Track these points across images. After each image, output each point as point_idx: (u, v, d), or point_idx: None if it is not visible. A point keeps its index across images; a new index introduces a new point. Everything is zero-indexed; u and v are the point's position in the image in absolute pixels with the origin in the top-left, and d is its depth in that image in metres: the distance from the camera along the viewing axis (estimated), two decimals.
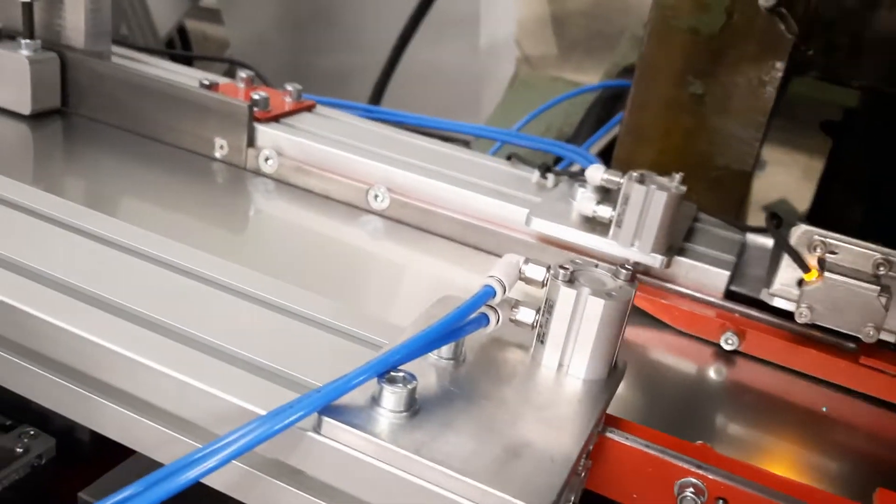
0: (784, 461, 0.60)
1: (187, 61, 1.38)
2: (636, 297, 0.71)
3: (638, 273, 0.75)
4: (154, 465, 0.77)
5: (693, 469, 0.50)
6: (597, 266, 0.52)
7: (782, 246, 0.63)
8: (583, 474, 0.49)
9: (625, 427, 0.52)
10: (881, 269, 0.60)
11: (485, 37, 2.64)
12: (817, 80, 1.40)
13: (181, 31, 2.19)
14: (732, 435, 0.62)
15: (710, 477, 0.49)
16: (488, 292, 0.49)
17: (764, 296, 0.67)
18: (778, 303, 0.66)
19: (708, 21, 0.95)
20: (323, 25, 2.45)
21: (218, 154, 0.87)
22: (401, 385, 0.44)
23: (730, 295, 0.73)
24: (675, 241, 0.73)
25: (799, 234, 0.63)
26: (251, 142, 0.86)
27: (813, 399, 0.66)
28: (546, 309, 0.50)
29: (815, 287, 0.62)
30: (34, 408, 0.69)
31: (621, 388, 0.58)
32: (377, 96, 1.98)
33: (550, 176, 0.84)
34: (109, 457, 0.65)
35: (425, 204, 0.80)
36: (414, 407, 0.44)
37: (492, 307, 0.51)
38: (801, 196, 1.68)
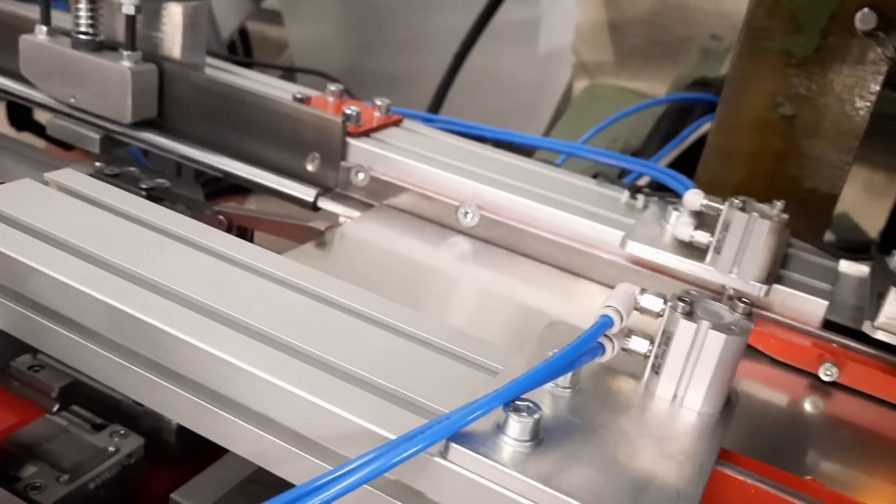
0: (886, 500, 0.59)
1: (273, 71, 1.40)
2: None
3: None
4: (246, 465, 0.79)
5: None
6: (713, 299, 0.52)
7: (891, 279, 0.63)
8: None
9: (736, 461, 0.52)
10: None
11: (543, 44, 2.64)
12: None
13: (242, 32, 2.23)
14: (833, 471, 0.61)
15: None
16: (607, 322, 0.50)
17: (867, 328, 0.66)
18: (882, 336, 0.65)
19: (802, 43, 0.94)
20: (382, 29, 2.47)
21: (310, 167, 0.89)
22: (526, 414, 0.44)
23: (827, 325, 0.72)
24: (775, 269, 0.73)
25: None
26: (343, 156, 0.88)
27: None
28: (663, 340, 0.50)
29: None
30: (123, 408, 0.72)
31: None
32: (438, 103, 2.00)
33: (640, 196, 0.84)
34: (196, 458, 0.67)
35: (515, 222, 0.81)
36: (538, 437, 0.45)
37: (608, 337, 0.51)
38: (863, 211, 1.65)
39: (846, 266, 0.80)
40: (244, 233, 0.88)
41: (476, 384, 0.49)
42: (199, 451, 0.71)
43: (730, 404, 0.52)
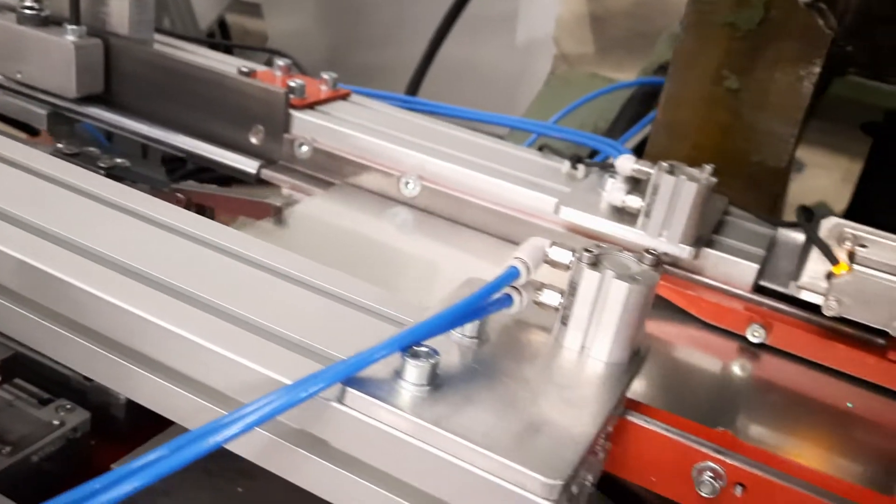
0: (805, 455, 0.60)
1: (227, 51, 1.40)
2: (663, 287, 0.72)
3: (666, 264, 0.75)
4: None
5: (712, 454, 0.50)
6: (622, 251, 0.53)
7: (812, 239, 0.63)
8: (601, 455, 0.50)
9: (646, 411, 0.53)
10: None
11: (522, 34, 2.64)
12: (858, 77, 1.39)
13: (222, 24, 2.22)
14: (754, 426, 0.61)
15: (729, 462, 0.50)
16: (512, 273, 0.50)
17: (792, 289, 0.67)
18: (805, 296, 0.66)
19: (746, 16, 0.94)
20: (361, 20, 2.47)
21: (254, 140, 0.89)
22: (423, 359, 0.45)
23: (758, 289, 0.73)
24: (704, 232, 0.73)
25: (829, 226, 0.63)
26: (286, 128, 0.88)
27: (838, 395, 0.65)
28: (570, 291, 0.51)
29: (844, 280, 0.62)
30: (72, 384, 0.72)
31: (647, 377, 0.59)
32: (413, 91, 2.00)
33: (581, 167, 0.84)
34: (142, 432, 0.67)
35: (456, 192, 0.81)
36: (436, 381, 0.45)
37: (516, 288, 0.51)
38: (841, 199, 1.66)
39: (784, 234, 0.80)
40: (203, 211, 0.87)
41: (383, 335, 0.49)
42: (147, 426, 0.71)
43: (638, 355, 0.52)
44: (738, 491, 0.50)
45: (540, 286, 0.53)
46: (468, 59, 2.46)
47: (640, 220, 0.71)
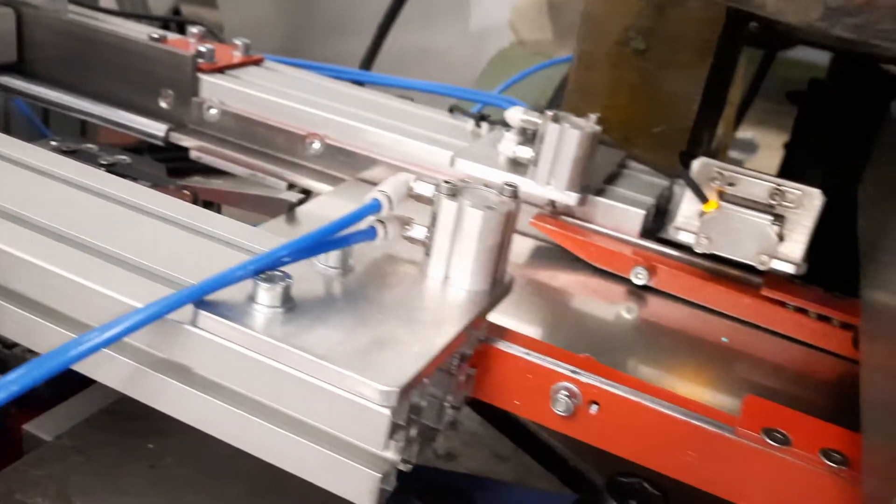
0: (669, 382, 0.62)
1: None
2: (556, 234, 0.74)
3: (560, 213, 0.77)
4: (105, 398, 0.80)
5: (568, 374, 0.52)
6: (485, 186, 0.54)
7: (684, 179, 0.66)
8: (462, 378, 0.52)
9: (511, 338, 0.55)
10: (775, 198, 0.63)
11: (475, 20, 2.65)
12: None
13: (176, 14, 2.22)
14: (623, 356, 0.64)
15: (584, 381, 0.52)
16: (374, 205, 0.52)
17: (670, 231, 0.69)
18: (682, 236, 0.68)
19: None
20: (316, 9, 2.48)
21: (164, 104, 0.90)
22: (276, 283, 0.46)
23: (646, 234, 0.75)
24: (593, 181, 0.75)
25: (700, 167, 0.66)
26: (195, 92, 0.89)
27: (717, 331, 0.68)
28: (432, 223, 0.53)
29: (713, 217, 0.64)
30: None
31: (529, 315, 0.61)
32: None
33: (485, 125, 0.86)
34: (65, 398, 0.69)
35: (358, 150, 0.83)
36: (289, 304, 0.47)
37: (382, 222, 0.53)
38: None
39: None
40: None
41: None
42: (67, 390, 0.73)
43: (501, 283, 0.54)
44: (594, 409, 0.52)
45: (409, 221, 0.55)
46: (422, 46, 2.48)
47: (530, 169, 0.73)
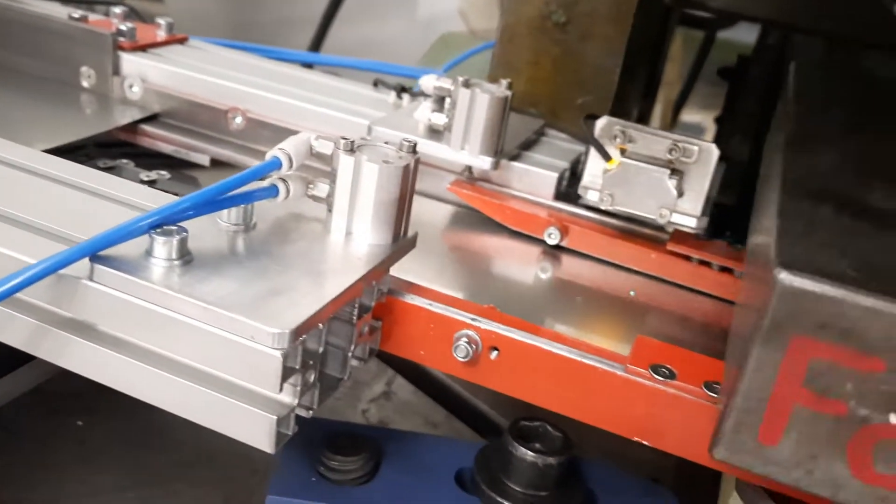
0: (582, 334, 0.64)
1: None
2: (473, 198, 0.76)
3: (477, 179, 0.79)
4: (33, 381, 0.80)
5: (468, 322, 0.54)
6: (385, 144, 0.56)
7: (588, 138, 0.68)
8: (364, 329, 0.53)
9: (416, 291, 0.56)
10: (673, 153, 0.65)
11: (423, 9, 2.66)
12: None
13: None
14: (543, 315, 0.66)
15: (483, 328, 0.54)
16: (274, 163, 0.53)
17: (580, 191, 0.72)
18: (590, 195, 0.70)
19: None
20: (263, 3, 2.47)
21: (85, 83, 0.89)
22: (171, 236, 0.47)
23: (560, 197, 0.77)
24: (508, 146, 0.77)
25: (602, 125, 0.68)
26: (116, 70, 0.89)
27: (625, 285, 0.70)
28: (332, 179, 0.54)
29: (615, 174, 0.66)
30: None
31: (451, 282, 0.63)
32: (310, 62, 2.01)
33: (406, 96, 0.88)
34: None
35: (279, 123, 0.83)
36: (187, 257, 0.48)
37: (284, 180, 0.54)
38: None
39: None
40: None
41: None
42: None
43: (404, 238, 0.56)
44: (494, 355, 0.54)
45: (312, 180, 0.56)
46: (370, 37, 2.47)
47: (445, 135, 0.75)
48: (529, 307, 0.66)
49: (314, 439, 0.56)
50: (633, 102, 1.22)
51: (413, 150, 0.55)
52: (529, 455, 0.54)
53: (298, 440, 0.57)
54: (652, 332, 0.64)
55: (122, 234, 0.46)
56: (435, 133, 0.77)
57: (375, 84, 0.95)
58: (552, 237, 0.73)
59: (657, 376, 0.50)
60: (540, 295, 0.69)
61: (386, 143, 0.56)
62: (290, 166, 0.54)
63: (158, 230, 0.47)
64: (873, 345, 0.33)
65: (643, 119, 1.32)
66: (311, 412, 0.49)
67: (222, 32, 2.47)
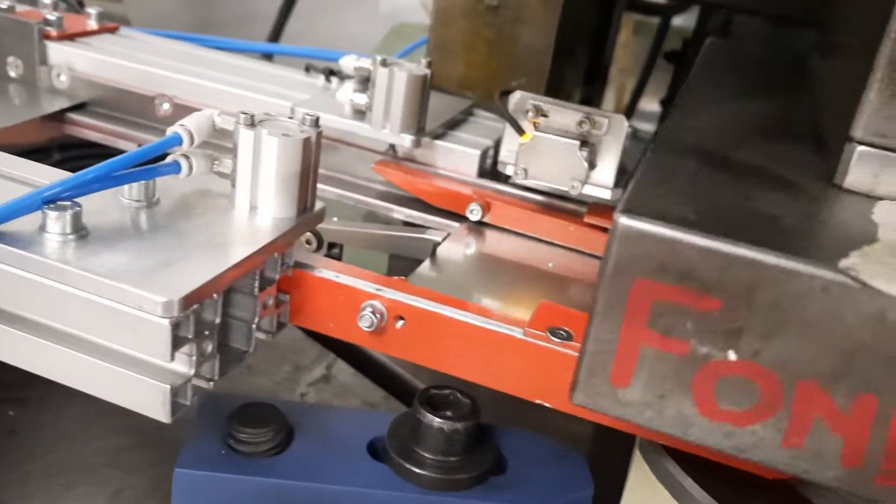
0: (500, 305, 0.65)
1: None
2: (396, 178, 0.77)
3: (402, 158, 0.80)
4: None
5: (373, 292, 0.55)
6: (289, 118, 0.56)
7: (502, 114, 0.69)
8: (268, 301, 0.54)
9: (322, 263, 0.57)
10: (583, 125, 0.66)
11: (385, 4, 2.66)
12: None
13: (81, 5, 2.17)
14: (446, 280, 0.66)
15: (388, 297, 0.54)
16: (174, 139, 0.54)
17: (500, 167, 0.72)
18: (510, 170, 0.71)
19: None
20: (222, 1, 2.46)
21: (13, 73, 0.89)
22: (64, 211, 0.47)
23: (488, 175, 0.78)
24: (433, 125, 0.78)
25: (515, 100, 0.69)
26: (43, 60, 0.88)
27: (544, 258, 0.71)
28: (235, 154, 0.54)
29: (528, 148, 0.67)
30: None
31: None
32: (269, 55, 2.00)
33: (334, 79, 0.88)
34: None
35: (202, 107, 0.83)
36: (81, 232, 0.48)
37: (186, 156, 0.55)
38: None
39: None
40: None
41: None
42: None
43: (311, 211, 0.56)
44: (400, 324, 0.55)
45: (218, 157, 0.56)
46: (332, 33, 2.47)
47: (368, 115, 0.75)
48: (449, 283, 0.67)
49: (226, 414, 0.56)
50: (571, 86, 1.23)
51: (315, 123, 0.55)
52: (436, 422, 0.54)
53: (210, 416, 0.57)
54: (564, 300, 0.65)
55: (14, 209, 0.46)
56: (358, 113, 0.77)
57: (307, 69, 0.95)
58: (474, 213, 0.74)
59: (554, 338, 0.51)
60: (462, 270, 0.70)
61: (290, 118, 0.56)
62: (192, 142, 0.54)
63: (52, 206, 0.47)
64: (709, 284, 0.34)
65: (590, 104, 1.33)
66: (211, 383, 0.49)
67: (183, 31, 2.46)
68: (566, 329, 0.52)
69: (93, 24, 0.96)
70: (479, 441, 0.57)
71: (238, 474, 0.53)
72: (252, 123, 0.54)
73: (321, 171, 0.80)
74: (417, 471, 0.54)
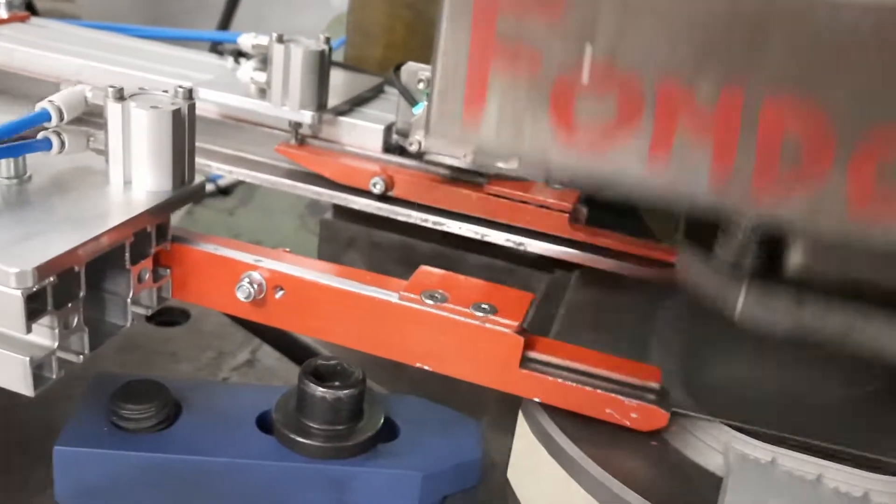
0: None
1: None
2: (298, 157, 0.77)
3: (307, 136, 0.79)
4: None
5: (252, 263, 0.55)
6: (162, 92, 0.56)
7: (394, 84, 0.69)
8: (144, 276, 0.53)
9: (200, 237, 0.57)
10: None
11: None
12: None
13: (29, 7, 2.14)
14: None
15: (266, 267, 0.54)
16: (42, 115, 0.53)
17: (400, 141, 0.73)
18: (404, 142, 0.71)
19: None
20: (169, 1, 2.44)
21: None
22: None
23: (395, 151, 0.78)
24: (336, 102, 0.78)
25: (408, 72, 0.69)
26: None
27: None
28: (105, 129, 0.54)
29: (419, 118, 0.67)
30: None
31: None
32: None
33: (243, 60, 0.88)
34: None
35: None
36: None
37: (57, 133, 0.54)
38: None
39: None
40: None
41: None
42: None
43: (189, 185, 0.56)
44: (279, 294, 0.54)
45: (94, 133, 0.56)
46: (284, 22, 2.45)
47: (268, 93, 0.75)
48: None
49: (110, 393, 0.56)
50: None
51: (189, 95, 0.55)
52: (319, 391, 0.55)
53: (97, 395, 0.57)
54: (468, 267, 0.66)
55: None
56: (263, 93, 0.77)
57: (220, 53, 0.94)
58: (377, 187, 0.74)
59: (428, 301, 0.52)
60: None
61: (164, 91, 0.56)
62: (61, 118, 0.54)
63: None
64: None
65: None
66: (81, 357, 0.49)
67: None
68: (441, 291, 0.52)
69: (3, 14, 0.95)
70: (368, 410, 0.57)
71: (119, 450, 0.53)
72: (121, 97, 0.53)
73: (227, 151, 0.81)
74: (303, 440, 0.54)
